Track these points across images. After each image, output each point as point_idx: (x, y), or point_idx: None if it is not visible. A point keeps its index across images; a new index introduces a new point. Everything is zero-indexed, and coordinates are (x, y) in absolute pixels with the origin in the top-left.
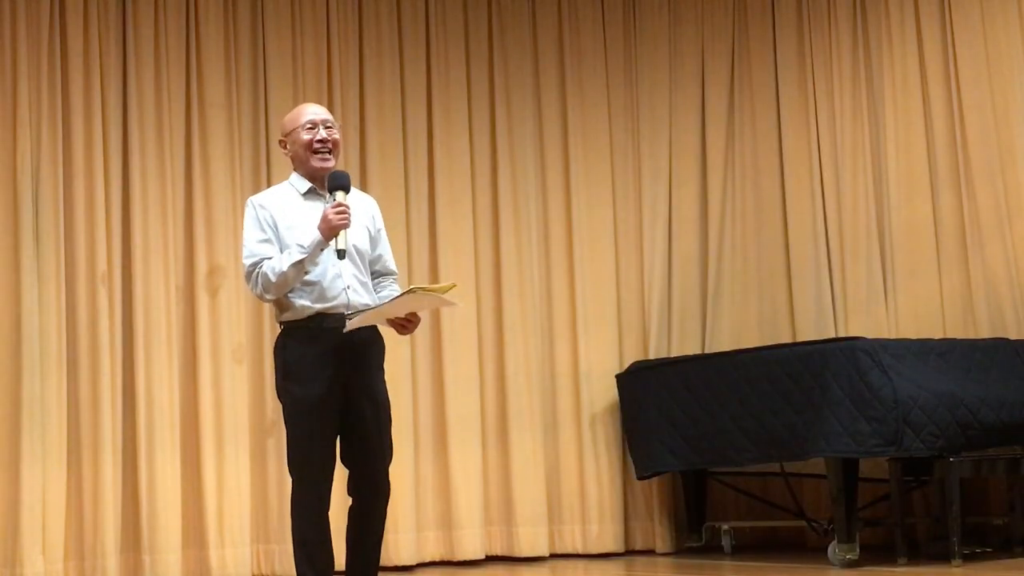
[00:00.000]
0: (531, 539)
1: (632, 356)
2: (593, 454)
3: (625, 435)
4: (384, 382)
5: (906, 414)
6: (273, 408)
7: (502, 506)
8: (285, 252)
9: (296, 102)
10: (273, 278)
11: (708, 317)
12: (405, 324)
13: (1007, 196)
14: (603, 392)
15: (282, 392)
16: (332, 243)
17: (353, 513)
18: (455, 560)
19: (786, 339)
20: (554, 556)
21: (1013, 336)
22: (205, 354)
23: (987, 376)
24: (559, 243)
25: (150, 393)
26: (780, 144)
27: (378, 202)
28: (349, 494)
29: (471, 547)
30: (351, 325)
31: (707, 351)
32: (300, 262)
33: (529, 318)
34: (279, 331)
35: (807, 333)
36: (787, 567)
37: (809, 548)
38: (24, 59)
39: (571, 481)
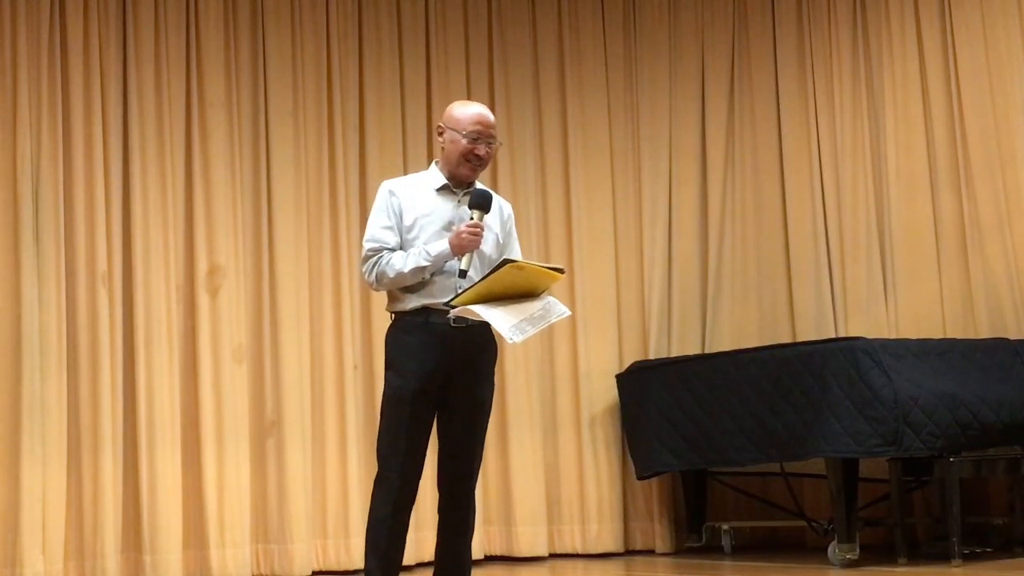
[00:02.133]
0: (530, 539)
1: (632, 356)
2: (593, 454)
3: (625, 435)
4: (490, 389)
5: (906, 414)
6: (273, 408)
7: (501, 506)
8: (411, 252)
9: (296, 102)
10: (391, 274)
11: (708, 317)
12: None
13: (1007, 196)
14: (603, 392)
15: (385, 380)
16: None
17: (440, 531)
18: None
19: (786, 339)
20: (553, 556)
21: (1013, 336)
22: (205, 354)
23: (987, 376)
24: (559, 243)
25: (150, 393)
26: (780, 144)
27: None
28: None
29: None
30: (456, 311)
31: (707, 351)
32: (422, 269)
33: None
34: (390, 321)
35: (807, 333)
36: (787, 567)
37: (809, 548)
38: (24, 59)
39: (571, 481)
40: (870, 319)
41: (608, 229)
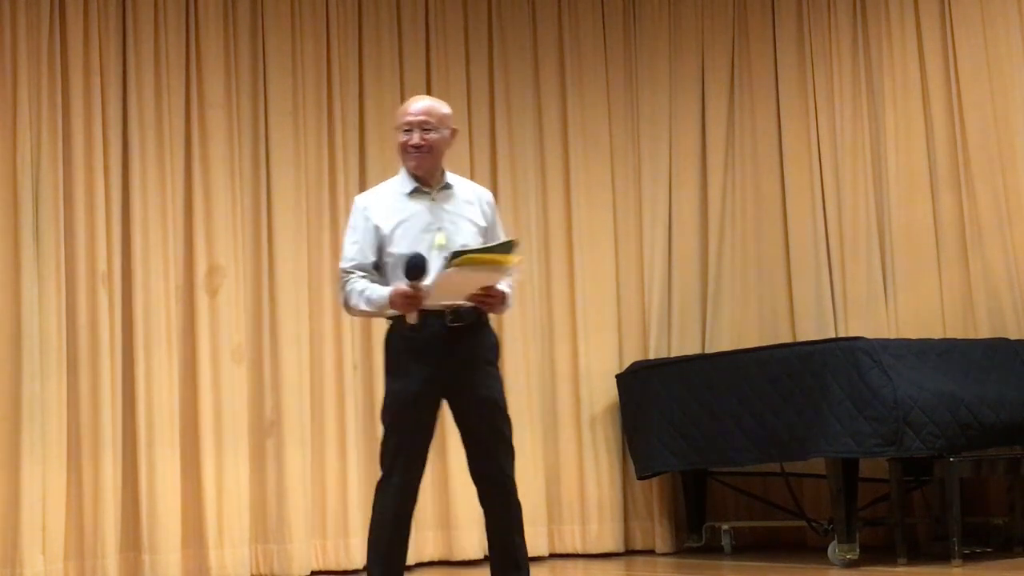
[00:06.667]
0: (531, 539)
1: (632, 356)
2: (593, 454)
3: (625, 435)
4: (496, 378)
5: (906, 414)
6: (272, 408)
7: None
8: (366, 291)
9: (296, 103)
10: (351, 305)
11: (708, 317)
12: (484, 300)
13: (1007, 196)
14: (603, 392)
15: (385, 386)
16: (436, 248)
17: (487, 530)
18: (454, 560)
19: (786, 339)
20: (554, 556)
21: (1013, 336)
22: (204, 354)
23: (987, 376)
24: (559, 244)
25: (150, 393)
26: (780, 144)
27: None
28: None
29: (470, 547)
30: (428, 302)
31: (707, 351)
32: (368, 312)
33: (529, 318)
34: (387, 328)
35: (807, 333)
36: (787, 567)
37: (809, 548)
38: (24, 59)
39: (571, 481)
40: (870, 319)
41: (608, 229)
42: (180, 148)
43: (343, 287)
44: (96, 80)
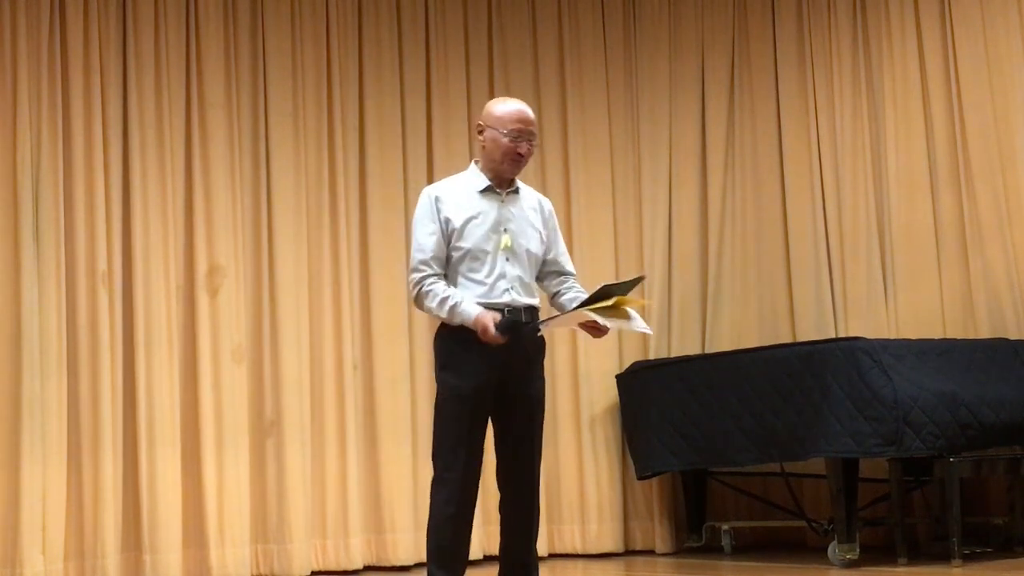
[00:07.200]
0: None
1: (632, 356)
2: (593, 454)
3: (625, 435)
4: (543, 378)
5: (906, 414)
6: (272, 408)
7: None
8: (448, 298)
9: (296, 103)
10: (429, 305)
11: (708, 317)
12: (599, 327)
13: (1007, 196)
14: (603, 392)
15: (439, 381)
16: (502, 249)
17: (503, 533)
18: None
19: (786, 339)
20: (553, 556)
21: (1013, 336)
22: (205, 354)
23: (987, 376)
24: None
25: (150, 393)
26: (780, 144)
27: (378, 203)
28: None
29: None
30: (544, 329)
31: (707, 351)
32: (449, 320)
33: None
34: (439, 322)
35: (807, 333)
36: (787, 567)
37: (809, 548)
38: (24, 59)
39: (571, 481)
40: (870, 319)
41: (608, 229)
42: (180, 148)
43: (420, 281)
44: (96, 80)
